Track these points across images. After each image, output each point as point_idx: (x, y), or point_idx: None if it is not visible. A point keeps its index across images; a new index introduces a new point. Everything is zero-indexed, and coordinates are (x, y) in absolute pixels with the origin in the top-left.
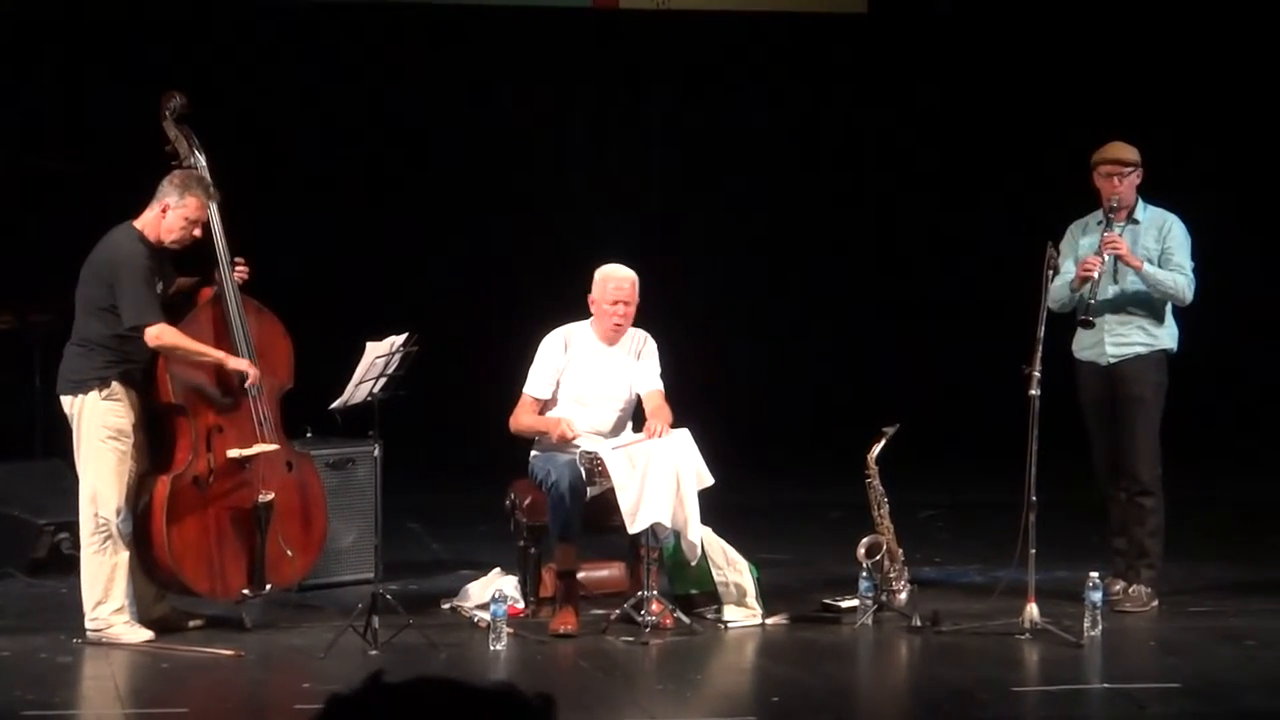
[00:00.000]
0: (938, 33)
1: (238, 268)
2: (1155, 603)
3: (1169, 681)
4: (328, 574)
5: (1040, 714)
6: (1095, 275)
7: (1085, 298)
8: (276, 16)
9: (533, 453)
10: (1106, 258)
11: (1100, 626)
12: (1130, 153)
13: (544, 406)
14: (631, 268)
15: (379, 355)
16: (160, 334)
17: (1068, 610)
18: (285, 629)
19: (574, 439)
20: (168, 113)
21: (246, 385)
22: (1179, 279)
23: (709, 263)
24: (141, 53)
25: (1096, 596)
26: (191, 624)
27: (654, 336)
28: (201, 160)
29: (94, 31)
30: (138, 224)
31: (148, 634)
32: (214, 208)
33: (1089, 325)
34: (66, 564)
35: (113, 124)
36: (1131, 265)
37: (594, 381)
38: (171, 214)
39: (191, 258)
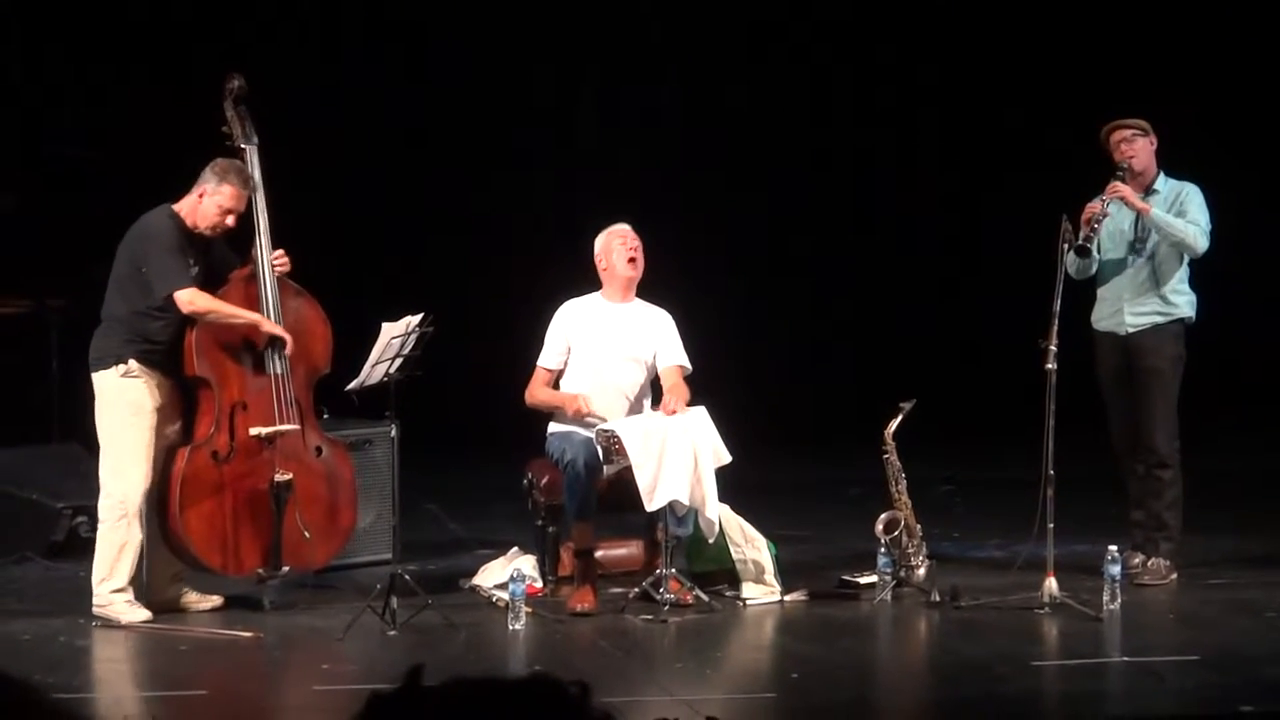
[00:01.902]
0: (952, 4)
1: (277, 262)
2: (1174, 575)
3: (1188, 654)
4: (346, 555)
5: (1060, 687)
6: (1097, 214)
7: (1084, 234)
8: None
9: (549, 431)
10: (1111, 204)
11: (1119, 600)
12: (1135, 119)
13: (556, 377)
14: (645, 244)
15: (394, 336)
16: (193, 298)
17: (1086, 584)
18: (304, 610)
19: (588, 414)
20: (228, 93)
21: (284, 352)
22: (1190, 226)
23: (723, 240)
24: (158, 39)
25: (1115, 570)
26: (205, 605)
27: (669, 313)
28: (254, 142)
29: (109, 19)
30: (176, 206)
31: (145, 614)
32: (259, 196)
33: (1086, 254)
34: (85, 547)
35: (131, 111)
36: (1136, 206)
37: (609, 342)
38: (207, 200)
39: (232, 241)
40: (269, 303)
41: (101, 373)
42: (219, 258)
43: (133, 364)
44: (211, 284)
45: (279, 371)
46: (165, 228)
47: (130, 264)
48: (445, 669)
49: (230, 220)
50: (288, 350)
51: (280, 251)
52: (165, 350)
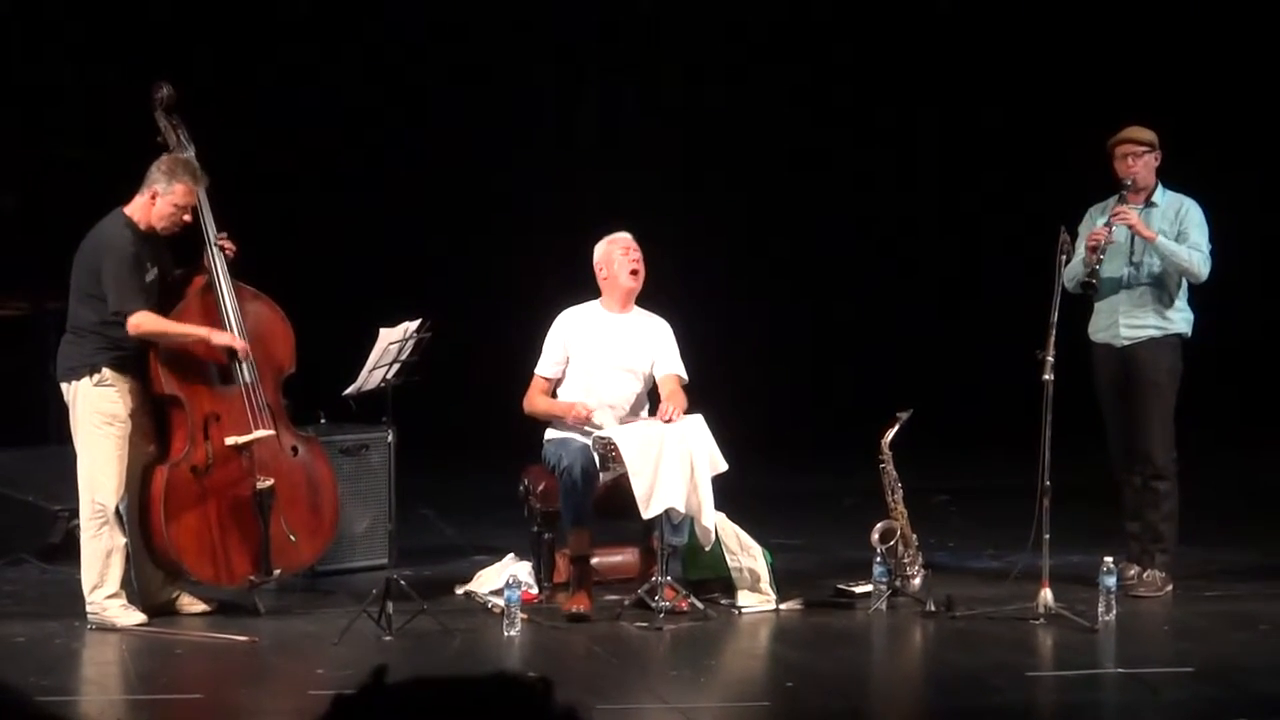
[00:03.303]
0: (947, 18)
1: (224, 245)
2: (1169, 587)
3: (1183, 666)
4: (341, 560)
5: (1054, 698)
6: (1102, 242)
7: (1090, 264)
8: (281, 6)
9: (546, 437)
10: (1115, 229)
11: (1114, 611)
12: (1145, 133)
13: (554, 386)
14: (643, 250)
15: (392, 341)
16: (140, 322)
17: (1082, 595)
18: (299, 615)
19: (589, 420)
20: (157, 103)
21: (239, 358)
22: (1194, 254)
23: (721, 249)
24: (155, 37)
25: (1110, 581)
26: (196, 609)
27: (668, 322)
28: (190, 151)
29: (109, 18)
30: (127, 210)
31: (141, 617)
32: (202, 194)
33: (1092, 289)
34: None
35: (130, 110)
36: (1144, 235)
37: (606, 352)
38: (160, 201)
39: (184, 244)
40: (227, 310)
41: (74, 383)
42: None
43: (106, 372)
44: (164, 282)
45: (247, 379)
46: (122, 239)
47: (91, 276)
48: (440, 675)
49: (187, 217)
50: (241, 355)
51: (224, 234)
52: (135, 355)
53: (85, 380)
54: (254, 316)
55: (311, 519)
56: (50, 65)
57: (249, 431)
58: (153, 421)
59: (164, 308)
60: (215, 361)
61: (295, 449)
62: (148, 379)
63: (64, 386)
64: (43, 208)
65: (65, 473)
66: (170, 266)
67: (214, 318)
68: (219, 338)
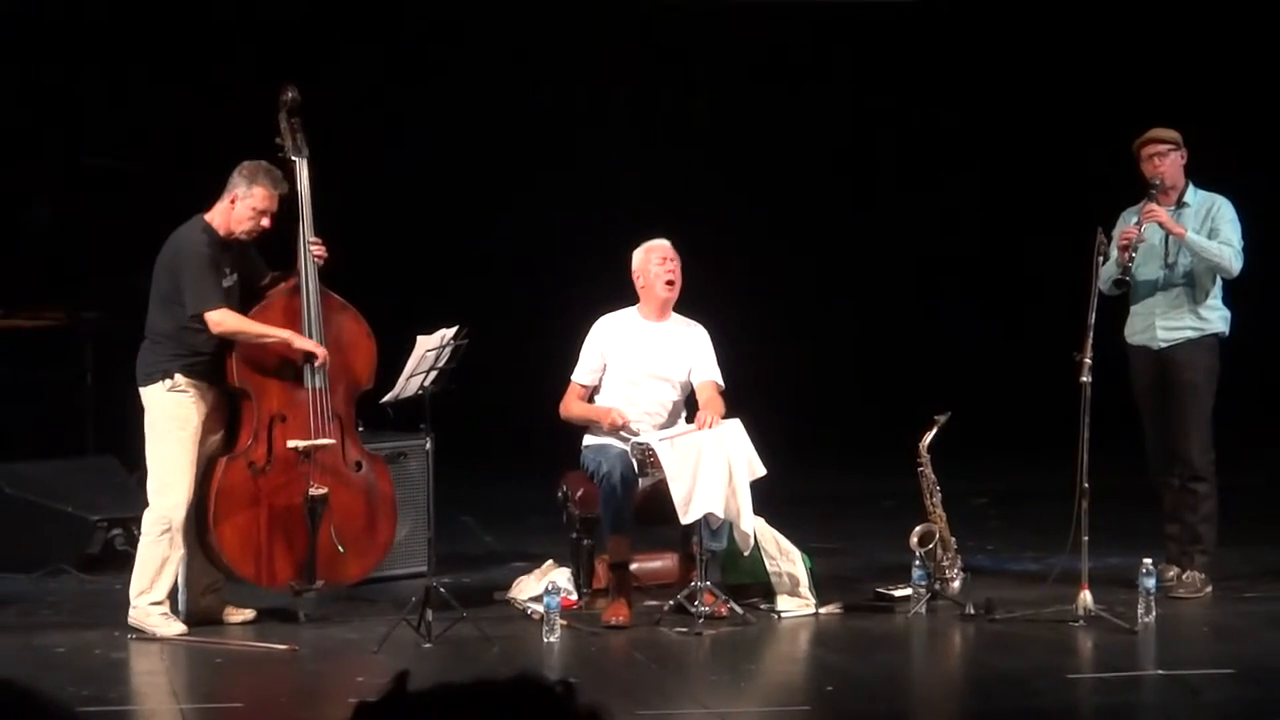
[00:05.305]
0: (988, 20)
1: (314, 248)
2: (1209, 588)
3: (1223, 667)
4: (381, 568)
5: (1095, 701)
6: (1133, 240)
7: (1123, 263)
8: (320, 11)
9: (584, 444)
10: (1146, 227)
11: (1154, 613)
12: (1168, 132)
13: (592, 392)
14: (681, 255)
15: (430, 349)
16: (222, 319)
17: (1121, 597)
18: (339, 623)
19: (624, 426)
20: (281, 105)
21: (316, 365)
22: (1224, 248)
23: (758, 253)
24: (188, 49)
25: (1150, 583)
26: (238, 618)
27: (704, 326)
28: (305, 154)
29: (141, 27)
30: (208, 216)
31: (181, 627)
32: (307, 197)
33: (1125, 286)
34: (120, 560)
35: (162, 122)
36: (1173, 232)
37: (643, 360)
38: (240, 205)
39: (278, 247)
40: (311, 317)
41: (149, 388)
42: (251, 264)
43: (179, 378)
44: (246, 290)
45: (317, 386)
46: (198, 243)
47: (170, 281)
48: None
49: (266, 222)
50: (318, 364)
51: (318, 240)
52: (210, 360)
53: (159, 385)
54: (337, 326)
55: (365, 537)
56: (84, 74)
57: (311, 437)
58: (223, 421)
59: (247, 307)
60: (293, 363)
61: (359, 464)
62: (223, 372)
63: (141, 391)
64: (76, 218)
65: (104, 483)
66: (255, 272)
67: (296, 320)
68: (300, 342)
